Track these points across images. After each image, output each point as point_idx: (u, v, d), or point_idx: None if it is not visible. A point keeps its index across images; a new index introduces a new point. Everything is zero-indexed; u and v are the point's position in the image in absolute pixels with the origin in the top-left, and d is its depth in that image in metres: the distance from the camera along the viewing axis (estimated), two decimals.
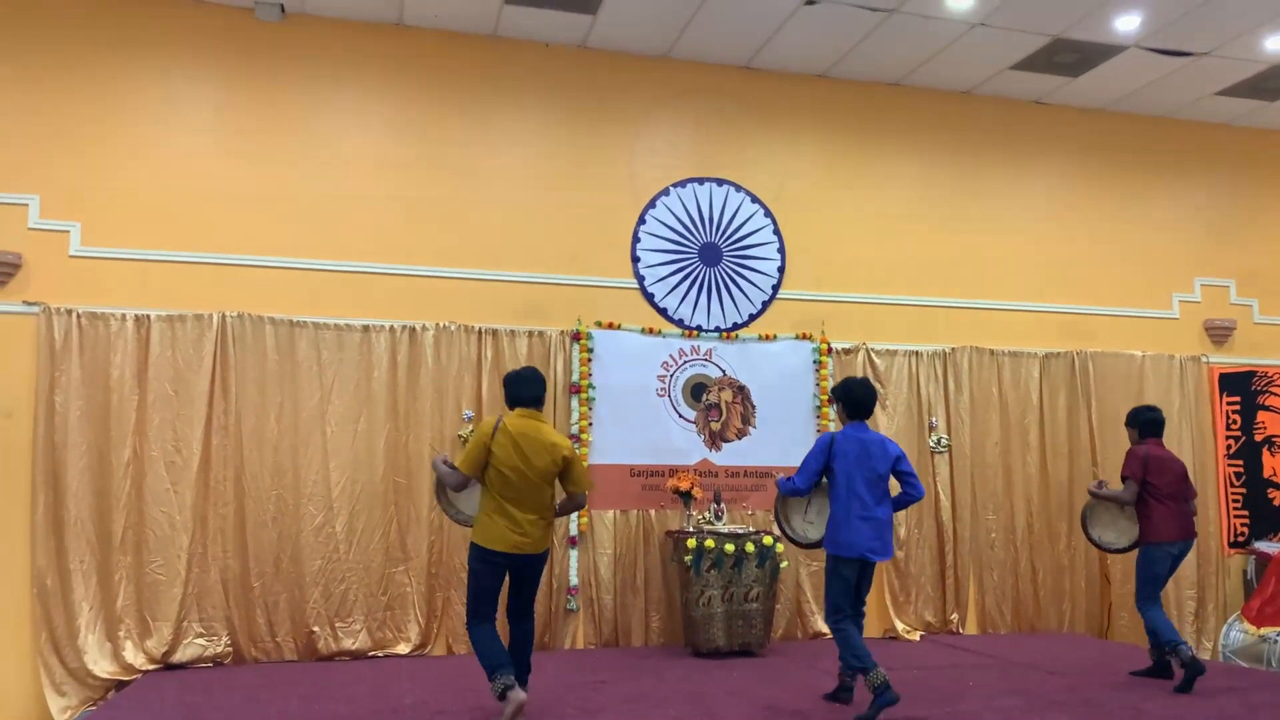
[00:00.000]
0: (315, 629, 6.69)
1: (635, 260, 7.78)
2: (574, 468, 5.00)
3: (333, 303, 7.01)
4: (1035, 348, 8.51)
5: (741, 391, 7.88)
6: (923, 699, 5.48)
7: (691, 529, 7.20)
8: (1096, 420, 8.42)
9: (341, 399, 6.92)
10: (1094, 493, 6.24)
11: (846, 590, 5.18)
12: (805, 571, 7.77)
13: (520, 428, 4.88)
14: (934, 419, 8.18)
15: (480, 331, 7.24)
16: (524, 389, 5.03)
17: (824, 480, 5.33)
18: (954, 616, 8.01)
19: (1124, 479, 6.11)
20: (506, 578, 4.97)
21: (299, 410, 6.84)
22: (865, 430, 5.30)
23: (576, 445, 7.29)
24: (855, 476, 5.14)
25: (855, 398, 5.31)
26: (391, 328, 7.08)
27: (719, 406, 7.82)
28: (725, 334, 7.89)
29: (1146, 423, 6.18)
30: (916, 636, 7.79)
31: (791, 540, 5.65)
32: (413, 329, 7.11)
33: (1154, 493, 6.01)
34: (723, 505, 7.41)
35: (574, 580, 7.24)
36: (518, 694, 4.75)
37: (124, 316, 6.59)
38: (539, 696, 5.50)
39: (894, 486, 5.36)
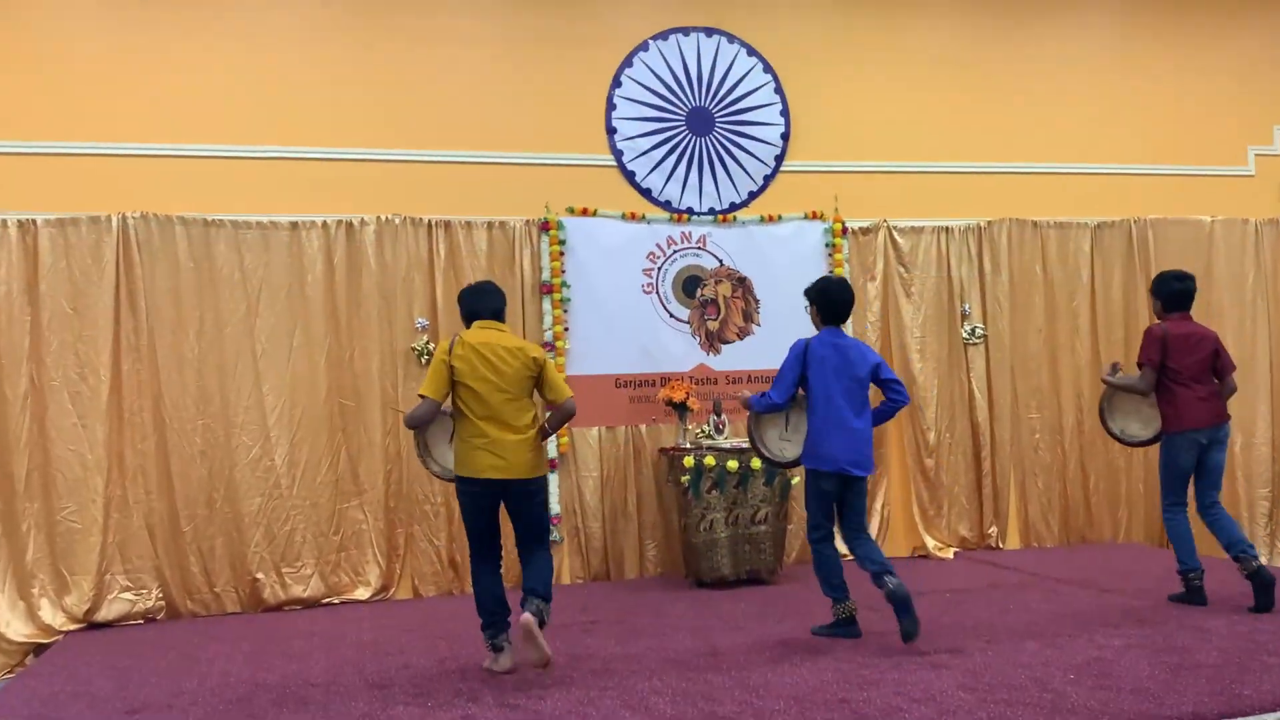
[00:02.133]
0: (259, 576, 6.77)
1: (611, 132, 7.64)
2: (549, 372, 5.05)
3: (254, 196, 6.92)
4: (1085, 217, 8.44)
5: (742, 284, 7.85)
6: (956, 627, 5.51)
7: (688, 445, 7.25)
8: None
9: (271, 310, 6.90)
10: (1107, 380, 6.14)
11: (827, 507, 5.38)
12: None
13: (481, 338, 4.97)
14: (967, 305, 8.17)
15: (430, 224, 7.19)
16: (481, 301, 5.09)
17: (800, 392, 5.46)
18: (992, 530, 8.12)
19: (1139, 365, 5.95)
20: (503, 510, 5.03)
21: (222, 325, 6.81)
22: (841, 335, 5.46)
23: (551, 355, 7.28)
24: (833, 386, 5.29)
25: (834, 300, 5.45)
26: (325, 223, 7.02)
27: (716, 302, 7.79)
28: (721, 216, 7.83)
29: (1173, 294, 5.96)
30: (950, 554, 7.91)
31: (768, 460, 5.71)
32: (350, 224, 7.06)
33: (1175, 377, 5.83)
34: (724, 417, 7.42)
35: (556, 508, 7.30)
36: (504, 659, 4.94)
37: (4, 222, 6.48)
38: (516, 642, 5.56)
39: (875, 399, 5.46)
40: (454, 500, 6.79)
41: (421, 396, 4.91)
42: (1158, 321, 6.05)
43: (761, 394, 5.47)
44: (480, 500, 4.93)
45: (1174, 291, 5.98)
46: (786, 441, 5.62)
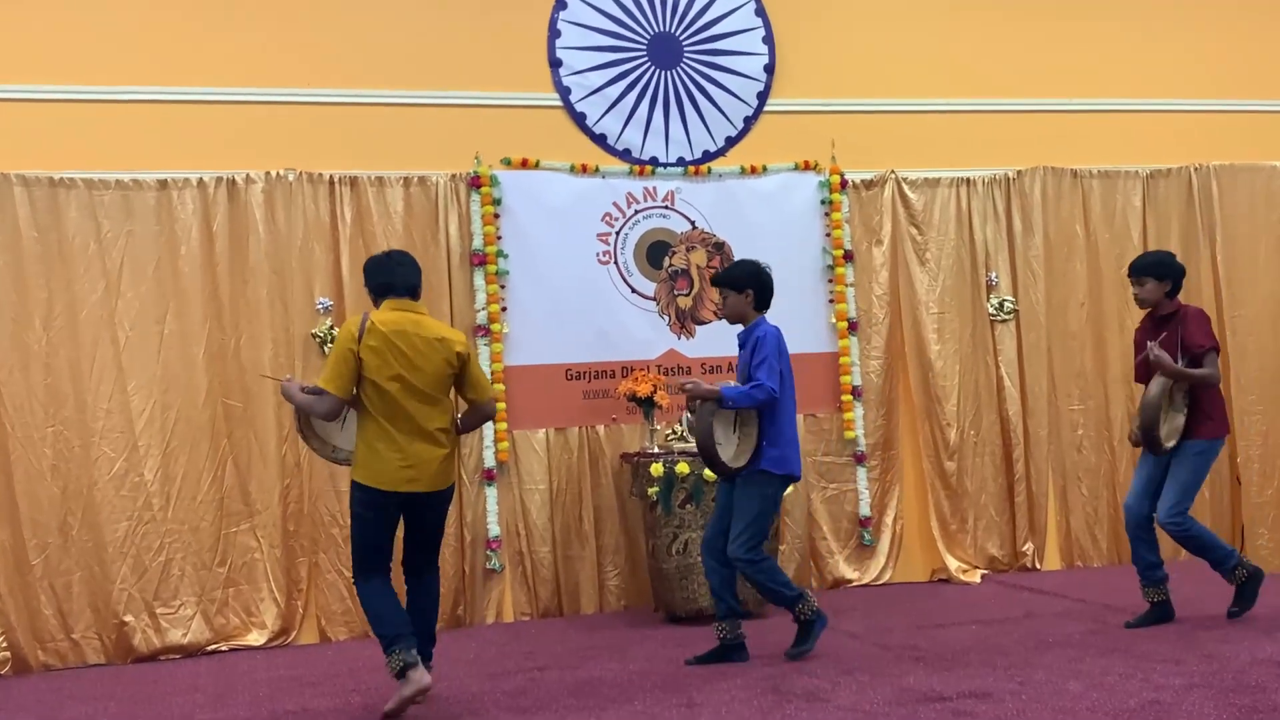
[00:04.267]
0: (127, 619, 6.70)
1: (555, 65, 7.60)
2: (473, 369, 5.24)
3: (113, 149, 6.86)
4: (1136, 164, 8.43)
5: (720, 250, 7.81)
6: (983, 666, 5.50)
7: (657, 449, 7.22)
8: (1223, 261, 8.39)
9: (136, 289, 6.83)
10: (1176, 370, 6.07)
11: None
12: (820, 498, 7.84)
13: (395, 323, 5.02)
14: (993, 274, 8.14)
15: (333, 180, 7.16)
16: (393, 274, 5.16)
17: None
18: (1028, 547, 8.11)
19: (1202, 350, 6.14)
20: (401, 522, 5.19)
21: (75, 309, 6.75)
22: None
23: (486, 341, 7.29)
24: (788, 380, 5.79)
25: (770, 286, 5.92)
26: (201, 181, 6.97)
27: (688, 274, 7.76)
28: (692, 168, 7.81)
29: (1183, 275, 6.35)
30: (976, 577, 7.88)
31: (720, 471, 5.75)
32: (232, 181, 7.01)
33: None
34: None
35: (494, 530, 7.29)
36: (420, 674, 4.89)
37: None
38: (453, 689, 5.50)
39: None
40: None
41: (319, 391, 4.99)
42: (1181, 303, 6.30)
43: (754, 384, 5.64)
44: (388, 513, 5.04)
45: (1183, 272, 6.36)
46: (735, 445, 5.75)
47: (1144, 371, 6.21)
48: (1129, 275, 6.38)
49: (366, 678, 5.89)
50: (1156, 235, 8.40)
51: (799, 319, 7.56)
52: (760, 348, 5.66)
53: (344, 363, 4.93)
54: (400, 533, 5.18)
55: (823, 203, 7.95)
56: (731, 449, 5.71)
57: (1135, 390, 8.22)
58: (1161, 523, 6.23)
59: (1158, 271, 6.27)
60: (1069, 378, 8.24)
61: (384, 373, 4.92)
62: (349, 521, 6.74)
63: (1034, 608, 6.90)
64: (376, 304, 5.15)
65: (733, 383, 5.93)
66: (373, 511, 5.01)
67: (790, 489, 7.09)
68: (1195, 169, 8.50)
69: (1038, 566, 8.10)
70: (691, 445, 7.11)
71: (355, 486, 5.03)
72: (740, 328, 5.88)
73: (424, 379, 4.98)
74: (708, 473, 6.79)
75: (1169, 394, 6.13)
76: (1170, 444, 6.15)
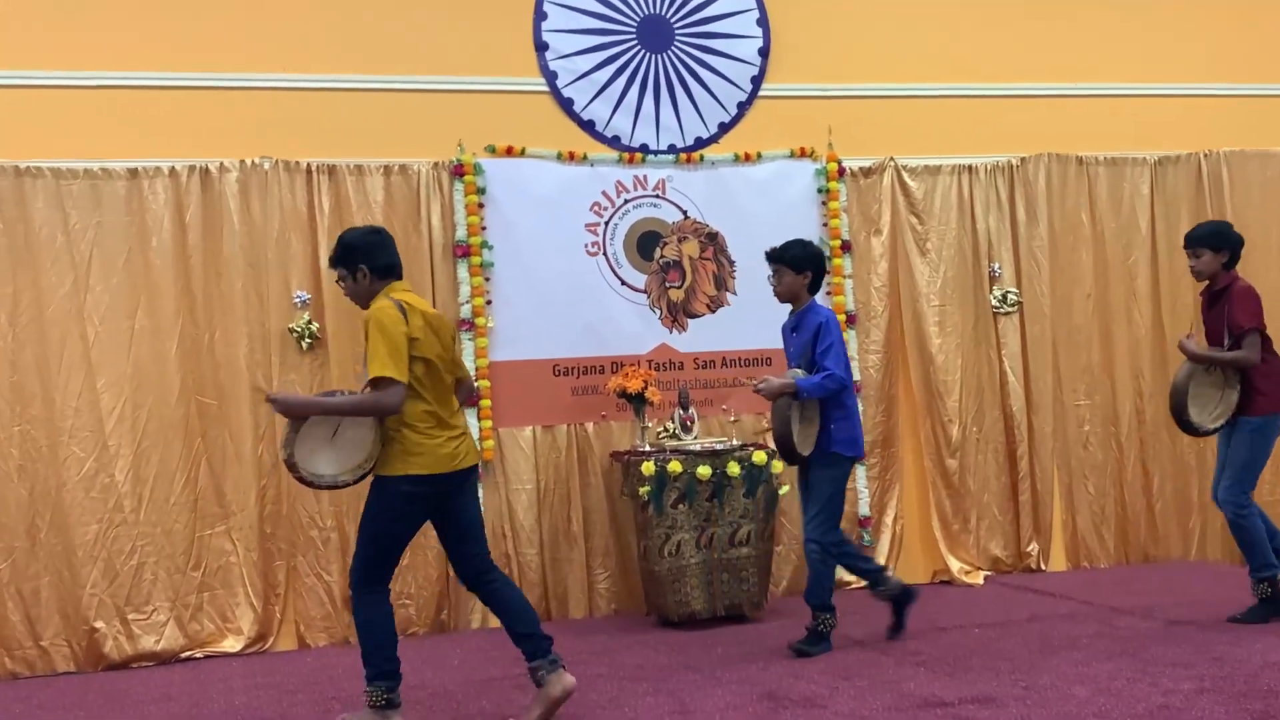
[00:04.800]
0: (98, 625, 6.69)
1: (541, 49, 7.60)
2: (459, 345, 5.37)
3: (81, 136, 6.85)
4: (1144, 151, 8.46)
5: (713, 241, 7.82)
6: (987, 670, 5.52)
7: (648, 447, 7.22)
8: None
9: (106, 283, 6.82)
10: (1203, 354, 6.22)
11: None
12: None
13: (418, 303, 5.10)
14: (997, 265, 8.16)
15: (310, 169, 7.15)
16: (395, 255, 5.15)
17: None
18: (1032, 548, 8.13)
19: (1242, 331, 6.16)
20: None
21: (42, 304, 6.73)
22: None
23: (471, 335, 7.32)
24: (848, 362, 6.21)
25: (825, 270, 6.29)
26: (173, 170, 6.95)
27: (680, 265, 7.77)
28: (684, 156, 7.81)
29: (1240, 246, 6.33)
30: (979, 579, 7.90)
31: (795, 462, 6.03)
32: (206, 170, 6.99)
33: (1268, 345, 6.17)
34: (692, 411, 7.41)
35: None
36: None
37: None
38: (438, 697, 5.53)
39: None
40: (350, 524, 6.83)
41: (390, 381, 4.79)
42: (1235, 277, 6.29)
43: (827, 373, 5.91)
44: (427, 506, 5.02)
45: (1241, 242, 6.34)
46: (800, 432, 5.94)
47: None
48: (1185, 247, 6.43)
49: (347, 685, 5.88)
50: (1165, 224, 8.43)
51: None
52: (825, 334, 5.95)
53: (403, 348, 4.84)
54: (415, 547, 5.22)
55: (819, 191, 7.95)
56: (799, 437, 5.93)
57: (1146, 383, 8.36)
58: (1220, 501, 6.28)
59: (1214, 242, 6.30)
60: (1075, 372, 8.26)
61: (433, 350, 4.96)
62: (334, 526, 6.82)
63: (1039, 610, 6.92)
64: (374, 283, 5.03)
65: (769, 376, 6.11)
66: (415, 506, 4.97)
67: (787, 488, 7.26)
68: (1205, 155, 8.52)
69: (1042, 567, 8.12)
70: (683, 443, 7.22)
71: (401, 481, 4.90)
72: (789, 307, 6.25)
73: (448, 357, 5.08)
74: (701, 471, 6.91)
75: (1222, 373, 6.22)
76: (1218, 424, 6.25)
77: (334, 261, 5.11)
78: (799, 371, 5.96)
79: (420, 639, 6.97)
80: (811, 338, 5.98)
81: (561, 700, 4.98)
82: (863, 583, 7.72)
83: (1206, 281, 6.39)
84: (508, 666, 6.09)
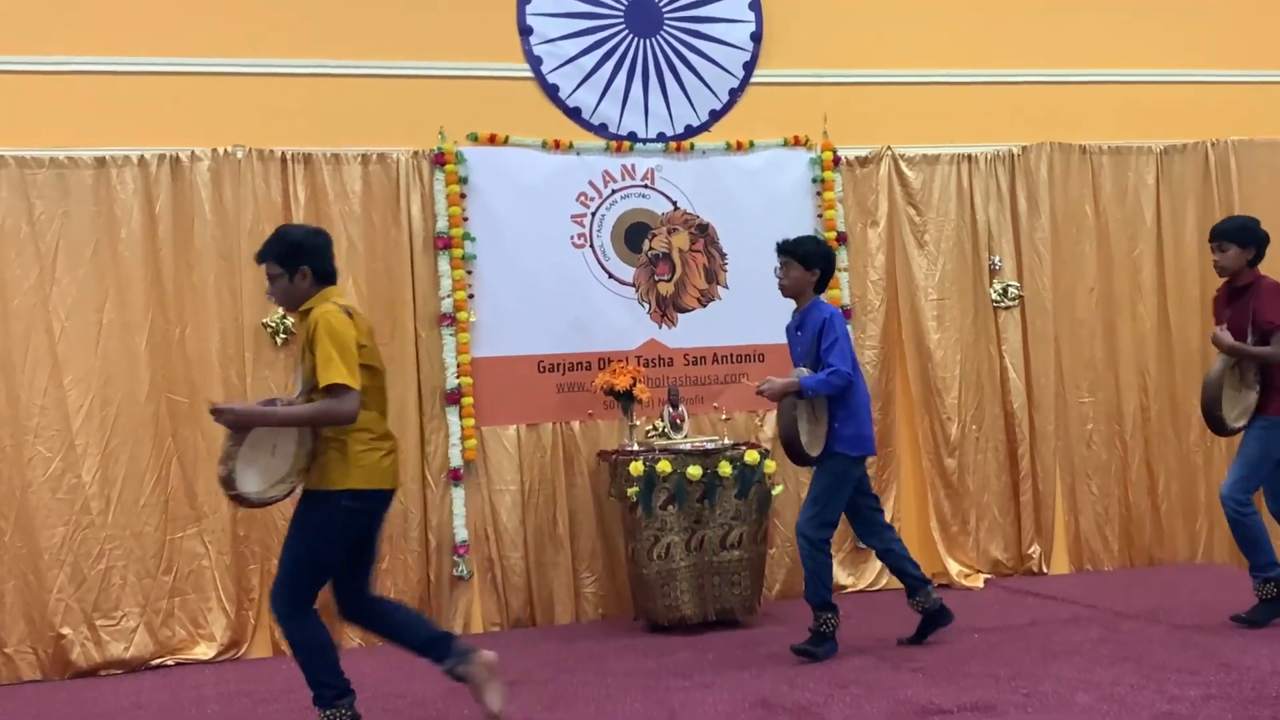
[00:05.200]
0: (65, 632, 6.68)
1: (525, 32, 7.60)
2: None
3: (47, 124, 6.84)
4: (1149, 140, 8.46)
5: (704, 233, 7.82)
6: (987, 677, 5.51)
7: (636, 447, 7.21)
8: None
9: (73, 275, 6.81)
10: (1238, 347, 6.21)
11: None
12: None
13: (358, 311, 5.09)
14: (997, 257, 8.16)
15: (285, 158, 7.15)
16: (333, 258, 5.06)
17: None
18: (1034, 550, 8.13)
19: (1273, 327, 6.19)
20: None
21: (6, 295, 6.75)
22: None
23: (452, 330, 7.30)
24: (855, 360, 6.09)
25: (833, 270, 6.36)
26: (142, 158, 6.94)
27: (670, 258, 7.77)
28: (674, 144, 7.81)
29: (1265, 241, 6.37)
30: (979, 582, 7.91)
31: (805, 462, 6.05)
32: (176, 158, 7.00)
33: None
34: (682, 409, 7.41)
35: (461, 534, 7.28)
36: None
37: None
38: (418, 706, 5.54)
39: None
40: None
41: (345, 388, 4.68)
42: (1260, 274, 6.33)
43: (832, 370, 5.92)
44: (365, 522, 4.94)
45: (1267, 240, 6.36)
46: (809, 433, 5.95)
47: None
48: (1210, 240, 6.45)
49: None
50: (1171, 215, 8.44)
51: (788, 306, 7.45)
52: (829, 330, 5.97)
53: (354, 354, 4.75)
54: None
55: (814, 181, 7.95)
56: (808, 437, 5.94)
57: (1151, 380, 8.36)
58: (1222, 497, 6.31)
59: (1241, 237, 6.33)
60: (1078, 368, 8.26)
61: (375, 359, 4.92)
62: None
63: (1040, 614, 6.91)
64: (312, 286, 4.91)
65: (772, 377, 6.09)
66: (353, 523, 4.85)
67: (781, 488, 7.32)
68: (1212, 144, 8.52)
69: (1044, 570, 8.13)
70: (672, 442, 7.22)
71: (342, 496, 4.80)
72: (792, 303, 6.27)
73: (382, 368, 5.04)
74: (691, 471, 6.91)
75: (1240, 372, 6.26)
76: (1241, 424, 6.28)
77: (272, 257, 4.90)
78: (803, 370, 5.96)
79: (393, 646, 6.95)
80: (815, 335, 5.99)
81: (495, 668, 4.96)
82: (859, 587, 7.83)
83: (1227, 278, 6.39)
84: None
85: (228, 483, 4.67)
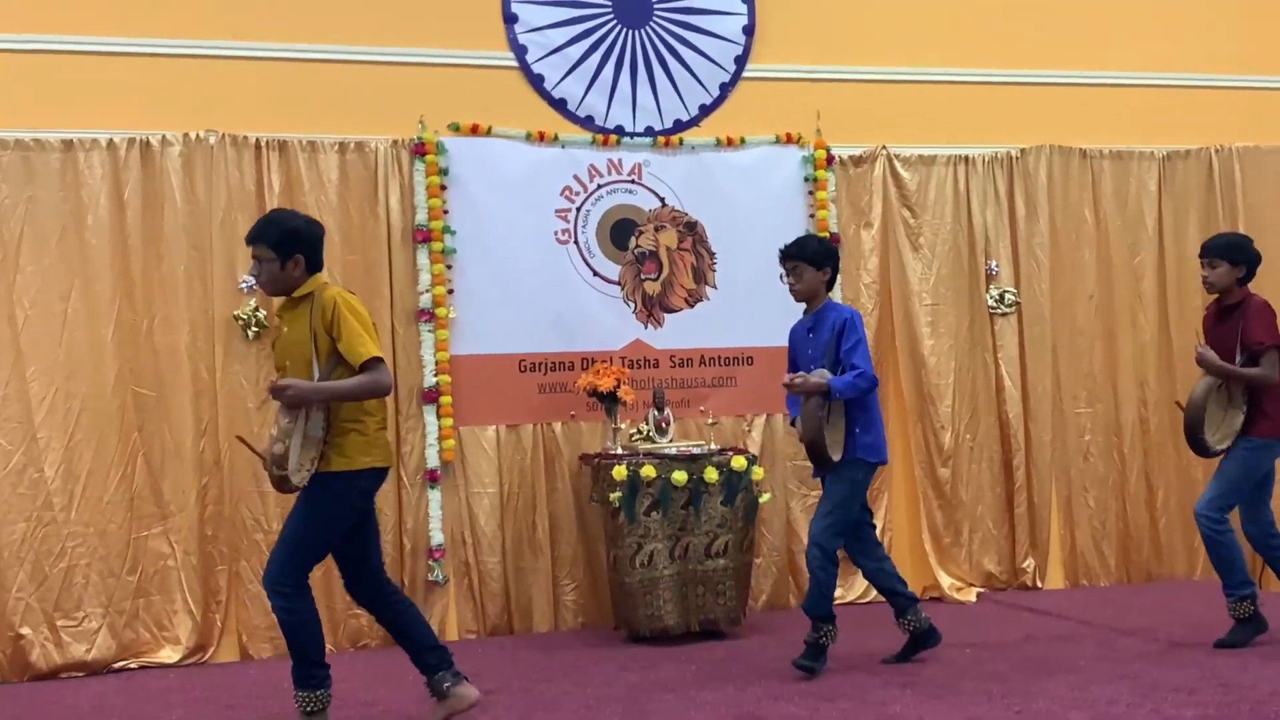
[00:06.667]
0: (24, 632, 6.64)
1: (510, 21, 7.61)
2: None
3: (11, 104, 6.83)
4: (1152, 144, 8.48)
5: (692, 231, 7.82)
6: (978, 694, 5.50)
7: (620, 450, 7.21)
8: None
9: (37, 263, 6.79)
10: (1226, 368, 6.20)
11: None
12: (800, 506, 7.80)
13: None
14: (993, 262, 8.16)
15: (259, 144, 7.14)
16: (323, 248, 5.23)
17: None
18: (1028, 564, 8.12)
19: (1262, 348, 6.19)
20: None
21: None
22: None
23: (431, 327, 7.32)
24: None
25: (839, 261, 6.38)
26: (111, 141, 6.93)
27: (657, 256, 7.77)
28: (663, 139, 7.83)
29: (1257, 261, 6.41)
30: (972, 596, 7.91)
31: (826, 468, 6.02)
32: (146, 142, 6.98)
33: None
34: (668, 412, 7.39)
35: (437, 538, 7.27)
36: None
37: None
38: (392, 716, 5.53)
39: None
40: None
41: (380, 361, 4.93)
42: (1250, 292, 6.37)
43: (858, 372, 5.91)
44: (367, 501, 5.10)
45: (1259, 259, 6.42)
46: (829, 437, 5.94)
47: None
48: (1200, 256, 6.47)
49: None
50: (1173, 222, 8.46)
51: (779, 308, 7.40)
52: (851, 330, 5.99)
53: (373, 330, 5.02)
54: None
55: (806, 180, 7.96)
56: (829, 440, 5.93)
57: (1151, 391, 8.40)
58: (1197, 513, 6.32)
59: (1232, 254, 6.36)
60: (1075, 378, 8.27)
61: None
62: (279, 529, 6.74)
63: (1034, 630, 6.92)
64: (302, 275, 5.03)
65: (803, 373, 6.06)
66: (362, 500, 5.03)
67: (769, 496, 7.35)
68: (1216, 150, 8.55)
69: (1039, 585, 8.13)
70: (657, 446, 7.24)
71: (360, 476, 4.97)
72: (804, 306, 6.24)
73: None
74: (676, 476, 6.92)
75: (1227, 392, 6.27)
76: (1223, 446, 6.29)
77: (268, 242, 4.97)
78: (826, 372, 5.93)
79: (373, 652, 6.96)
80: (834, 336, 5.98)
81: (468, 710, 5.07)
82: (848, 599, 7.80)
83: (1216, 295, 6.41)
84: None
85: (281, 461, 4.74)
